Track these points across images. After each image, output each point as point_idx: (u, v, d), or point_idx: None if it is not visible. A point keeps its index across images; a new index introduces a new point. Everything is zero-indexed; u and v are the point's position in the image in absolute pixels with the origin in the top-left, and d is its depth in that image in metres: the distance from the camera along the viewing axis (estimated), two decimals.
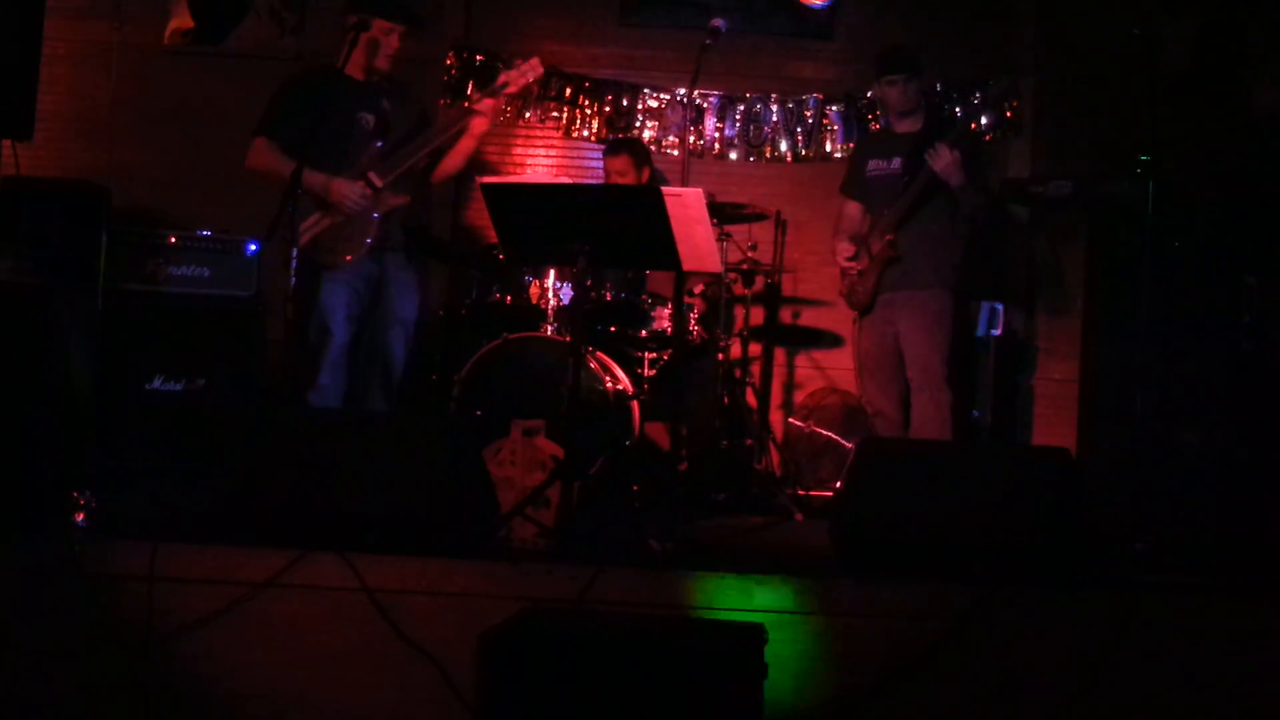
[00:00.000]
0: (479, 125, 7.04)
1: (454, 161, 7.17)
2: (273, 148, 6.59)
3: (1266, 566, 5.41)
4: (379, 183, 6.70)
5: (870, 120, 8.78)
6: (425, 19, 7.05)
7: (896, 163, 7.25)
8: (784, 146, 9.01)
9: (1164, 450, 5.62)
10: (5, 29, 5.68)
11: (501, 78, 7.15)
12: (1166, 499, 5.50)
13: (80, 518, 4.84)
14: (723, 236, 7.47)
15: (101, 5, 8.72)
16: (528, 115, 9.02)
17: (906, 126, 7.34)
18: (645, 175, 8.02)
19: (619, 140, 8.46)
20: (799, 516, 6.63)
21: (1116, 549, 5.16)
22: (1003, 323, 8.31)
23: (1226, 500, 5.66)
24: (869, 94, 8.64)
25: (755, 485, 7.12)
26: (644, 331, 7.35)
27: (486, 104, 7.02)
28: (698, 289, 7.86)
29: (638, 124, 8.98)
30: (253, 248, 7.24)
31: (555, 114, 9.03)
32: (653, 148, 8.69)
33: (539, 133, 9.09)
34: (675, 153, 8.89)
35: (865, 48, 8.51)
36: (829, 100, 8.90)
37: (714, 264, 5.61)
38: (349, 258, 6.69)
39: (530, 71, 7.08)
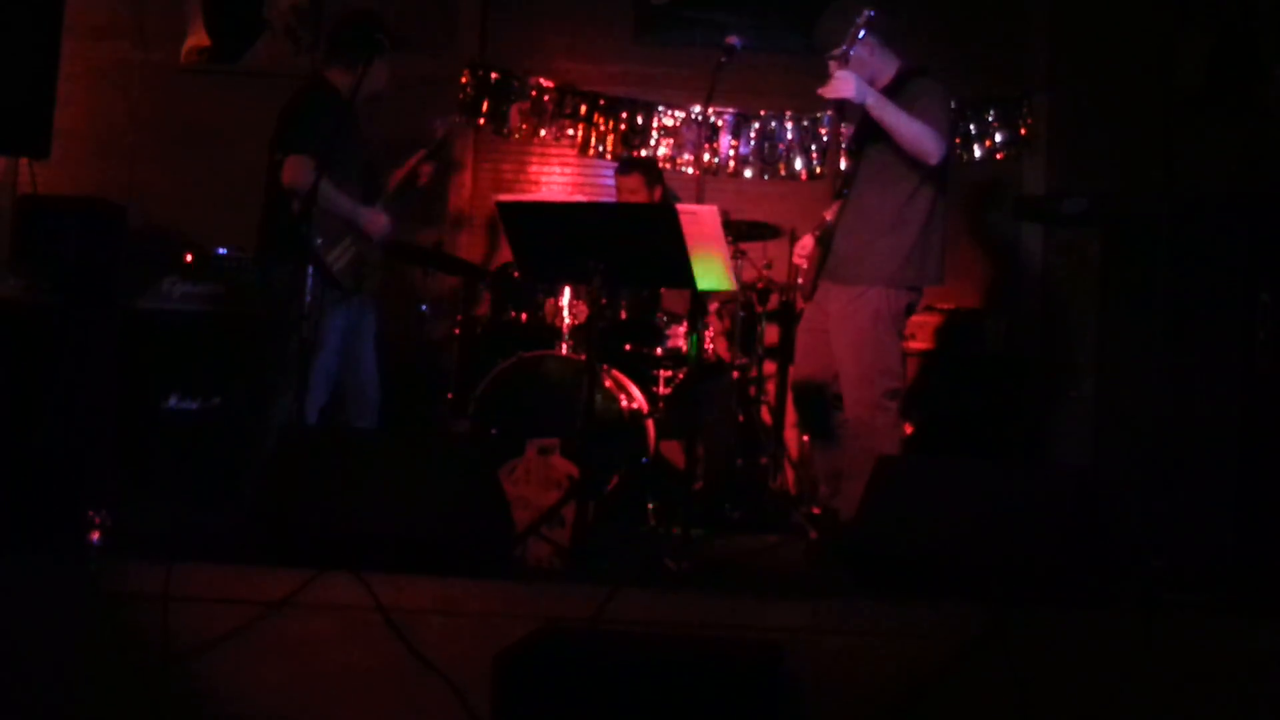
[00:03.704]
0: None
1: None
2: (311, 165, 6.31)
3: None
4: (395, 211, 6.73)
5: None
6: (387, 44, 6.91)
7: (848, 132, 6.49)
8: (799, 164, 9.02)
9: (1181, 467, 5.61)
10: (23, 48, 5.70)
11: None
12: (1184, 517, 5.47)
13: (96, 536, 4.83)
14: (738, 254, 7.46)
15: (119, 24, 8.78)
16: (543, 133, 9.04)
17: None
18: (657, 194, 8.03)
19: (632, 159, 8.47)
20: (814, 535, 6.63)
21: (1134, 567, 5.13)
22: None
23: (1245, 518, 5.64)
24: None
25: (770, 504, 7.10)
26: (659, 350, 7.36)
27: (427, 169, 7.03)
28: (713, 307, 7.86)
29: (653, 142, 9.00)
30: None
31: (570, 132, 9.05)
32: (667, 165, 8.70)
33: (554, 151, 9.11)
34: (690, 170, 8.91)
35: None
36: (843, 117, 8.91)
37: (729, 282, 5.60)
38: (373, 283, 6.72)
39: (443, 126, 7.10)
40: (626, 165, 8.22)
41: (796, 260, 6.47)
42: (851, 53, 5.93)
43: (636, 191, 7.96)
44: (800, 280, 6.42)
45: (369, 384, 6.83)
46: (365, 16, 6.91)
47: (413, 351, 8.51)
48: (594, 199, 8.62)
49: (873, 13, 5.93)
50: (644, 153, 8.87)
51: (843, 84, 5.82)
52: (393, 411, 7.23)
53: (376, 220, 6.61)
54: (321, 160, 6.17)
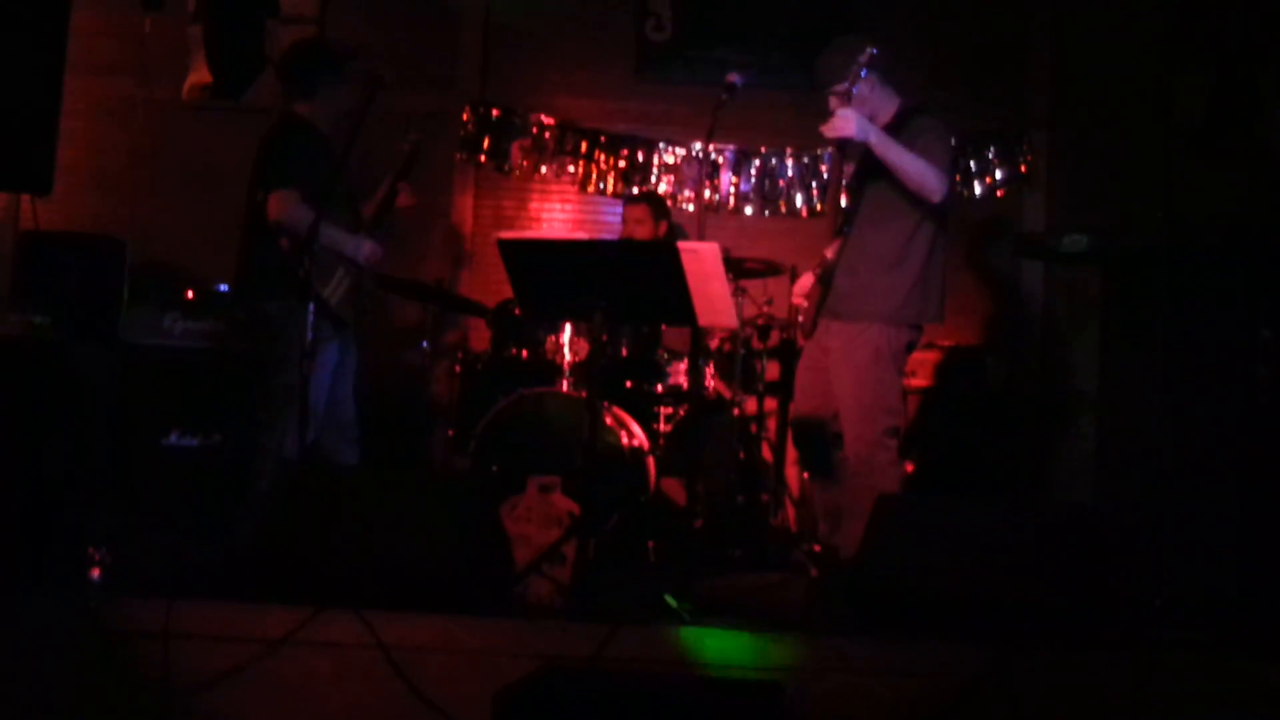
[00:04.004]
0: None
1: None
2: (297, 199, 6.32)
3: None
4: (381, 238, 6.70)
5: None
6: (355, 52, 6.89)
7: (849, 170, 6.36)
8: (799, 201, 9.04)
9: (1182, 505, 5.60)
10: (26, 85, 5.72)
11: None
12: (1185, 554, 5.47)
13: (96, 573, 4.83)
14: (738, 291, 7.47)
15: (121, 61, 8.80)
16: (544, 170, 9.06)
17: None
18: (663, 229, 8.05)
19: (641, 192, 8.51)
20: (815, 572, 6.61)
21: (1135, 606, 5.13)
22: None
23: (1245, 557, 5.64)
24: None
25: (771, 541, 7.10)
26: (660, 387, 7.36)
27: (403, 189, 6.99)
28: (714, 344, 7.86)
29: (654, 178, 9.02)
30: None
31: (571, 169, 9.07)
32: (669, 202, 8.72)
33: (555, 187, 9.13)
34: (691, 207, 8.93)
35: None
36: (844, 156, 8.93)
37: (730, 319, 5.59)
38: (368, 315, 6.71)
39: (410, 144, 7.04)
40: (635, 197, 8.26)
41: (796, 300, 6.46)
42: (854, 90, 5.93)
43: (643, 222, 7.98)
44: (800, 318, 6.40)
45: (349, 423, 6.78)
46: (308, 44, 6.92)
47: (413, 388, 8.52)
48: (595, 236, 8.64)
49: (875, 50, 5.95)
50: (644, 189, 8.88)
51: (844, 122, 5.81)
52: (393, 448, 7.22)
53: (363, 247, 6.56)
54: (308, 194, 6.22)
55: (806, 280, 6.34)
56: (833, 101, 5.97)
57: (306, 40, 6.95)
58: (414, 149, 6.94)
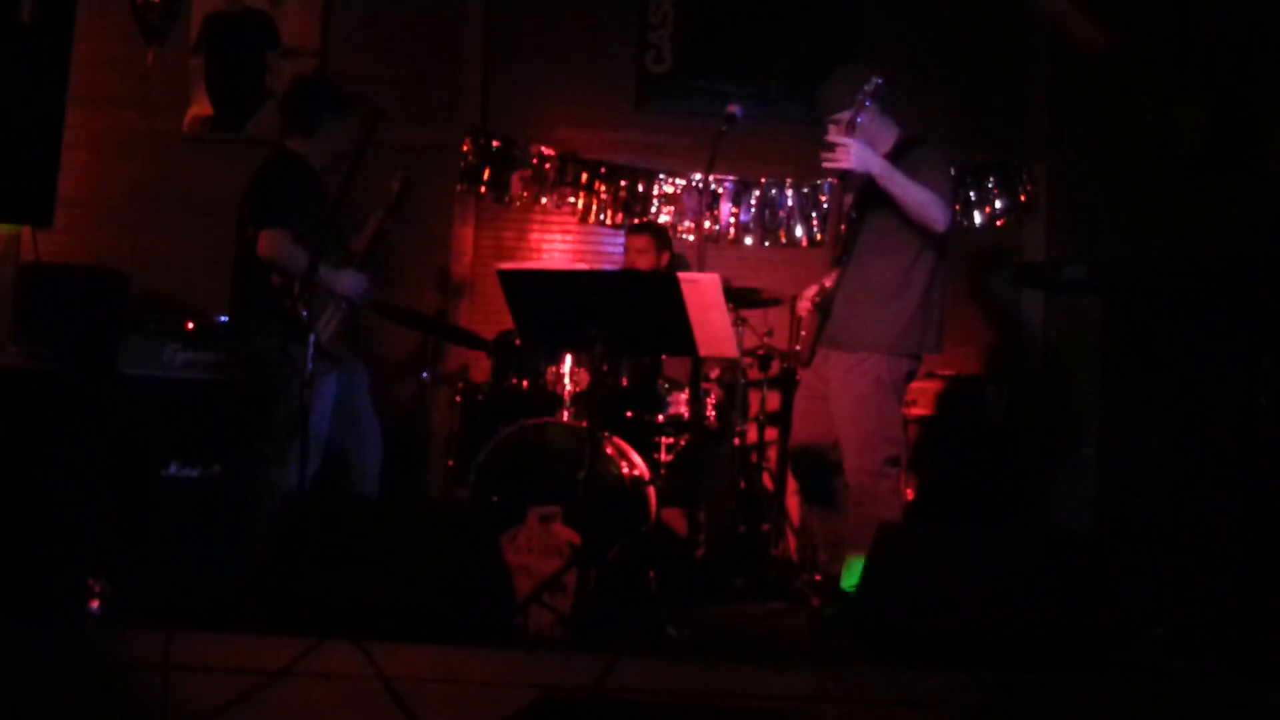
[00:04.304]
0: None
1: None
2: (288, 238, 6.37)
3: None
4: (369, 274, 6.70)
5: None
6: (363, 99, 6.89)
7: (849, 200, 6.36)
8: (799, 231, 9.05)
9: (1184, 533, 5.59)
10: (27, 116, 5.71)
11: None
12: (1188, 582, 5.46)
13: (95, 605, 4.82)
14: (739, 321, 7.47)
15: (122, 93, 8.83)
16: (544, 201, 9.07)
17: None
18: (665, 259, 8.07)
19: (644, 222, 8.52)
20: (816, 602, 6.60)
21: (1137, 635, 5.12)
22: None
23: (1248, 585, 5.63)
24: None
25: (772, 571, 7.08)
26: (661, 416, 7.36)
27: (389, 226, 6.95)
28: (714, 374, 7.86)
29: (654, 209, 9.03)
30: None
31: (571, 199, 9.08)
32: (669, 232, 8.73)
33: (555, 218, 9.14)
34: (691, 238, 8.93)
35: None
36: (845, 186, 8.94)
37: (730, 349, 5.60)
38: (360, 348, 6.71)
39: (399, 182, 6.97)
40: (638, 226, 8.27)
41: (801, 307, 6.40)
42: (858, 120, 5.95)
43: (645, 253, 7.99)
44: (798, 347, 6.40)
45: (370, 438, 6.80)
46: (312, 81, 6.93)
47: (413, 418, 8.51)
48: (595, 266, 8.64)
49: (879, 80, 5.97)
50: (645, 220, 8.89)
51: (846, 153, 5.82)
52: (394, 479, 7.21)
53: (352, 282, 6.56)
54: (297, 232, 6.27)
55: (811, 290, 6.32)
56: (833, 131, 5.99)
57: (310, 77, 6.96)
58: (403, 187, 6.91)
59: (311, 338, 5.87)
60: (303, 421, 5.80)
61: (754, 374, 7.85)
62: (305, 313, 5.98)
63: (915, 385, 7.06)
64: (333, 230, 6.42)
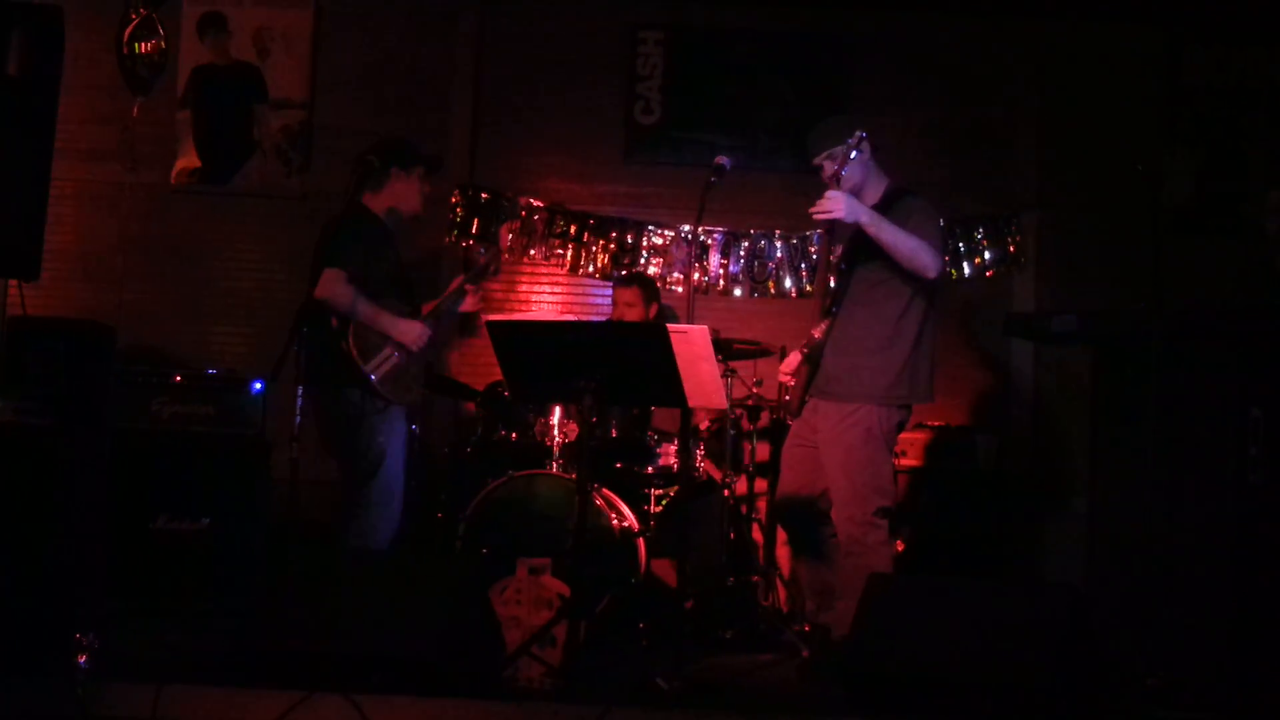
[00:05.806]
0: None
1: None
2: (343, 278, 6.42)
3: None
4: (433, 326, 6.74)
5: None
6: (439, 160, 7.09)
7: (838, 251, 6.40)
8: (788, 283, 9.07)
9: (1174, 583, 5.59)
10: (13, 169, 5.71)
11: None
12: (1179, 633, 5.45)
13: (83, 659, 4.79)
14: (728, 373, 7.46)
15: (109, 146, 8.86)
16: (533, 252, 9.08)
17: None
18: (653, 311, 8.07)
19: (632, 274, 8.52)
20: (806, 653, 6.58)
21: (1128, 685, 5.10)
22: None
23: (1239, 636, 5.61)
24: None
25: (762, 622, 7.06)
26: (650, 468, 7.36)
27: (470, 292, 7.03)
28: (703, 425, 7.85)
29: (642, 260, 9.05)
30: (258, 386, 7.26)
31: (560, 251, 9.10)
32: (658, 284, 8.74)
33: (544, 269, 9.15)
34: (680, 289, 8.95)
35: None
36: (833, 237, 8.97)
37: (719, 400, 5.61)
38: (415, 395, 6.73)
39: (486, 256, 7.23)
40: (626, 279, 8.28)
41: (782, 377, 6.48)
42: (843, 172, 5.98)
43: (633, 305, 8.00)
44: (787, 397, 6.43)
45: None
46: (394, 143, 6.97)
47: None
48: (584, 318, 8.64)
49: (865, 133, 6.00)
50: (634, 271, 8.90)
51: (834, 203, 5.86)
52: None
53: (411, 330, 6.60)
54: (355, 275, 6.36)
55: (793, 359, 6.37)
56: (825, 174, 6.02)
57: (394, 140, 7.01)
58: (489, 261, 7.14)
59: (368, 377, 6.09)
60: (293, 474, 5.80)
61: (743, 425, 7.84)
62: (356, 351, 6.07)
63: (905, 436, 7.06)
64: (400, 281, 6.67)
